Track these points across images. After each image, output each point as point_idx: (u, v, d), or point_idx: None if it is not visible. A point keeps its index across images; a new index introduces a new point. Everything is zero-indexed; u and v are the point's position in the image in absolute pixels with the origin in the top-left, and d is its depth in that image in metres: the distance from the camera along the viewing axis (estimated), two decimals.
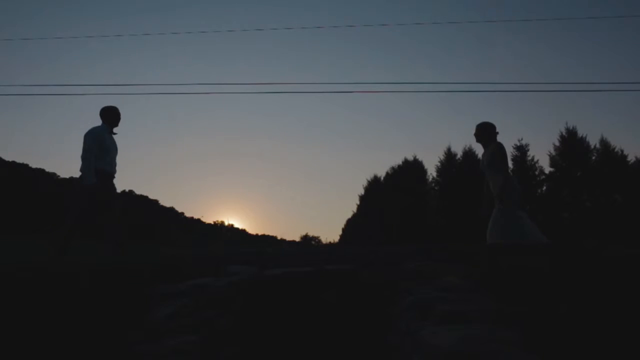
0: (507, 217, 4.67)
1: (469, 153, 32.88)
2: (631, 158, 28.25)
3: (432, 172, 34.56)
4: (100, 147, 4.99)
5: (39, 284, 2.46)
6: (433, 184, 34.36)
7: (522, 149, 30.89)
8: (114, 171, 5.29)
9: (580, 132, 29.51)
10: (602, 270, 2.51)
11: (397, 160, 42.78)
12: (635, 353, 1.55)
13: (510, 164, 5.12)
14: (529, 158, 30.72)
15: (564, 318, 1.84)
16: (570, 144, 29.13)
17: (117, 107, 5.44)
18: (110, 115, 5.30)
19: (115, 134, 5.37)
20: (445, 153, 33.86)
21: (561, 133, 29.85)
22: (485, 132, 5.12)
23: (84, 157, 4.93)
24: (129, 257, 3.85)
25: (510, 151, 31.09)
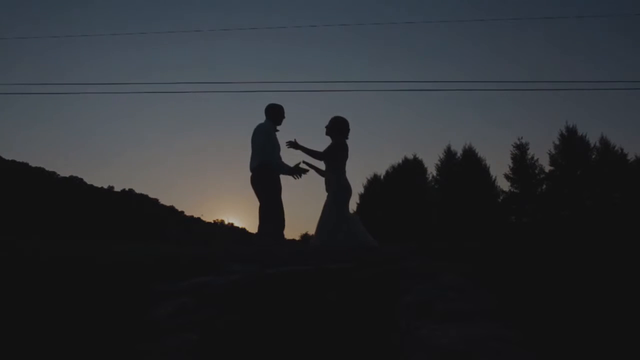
0: (335, 216, 4.76)
1: (468, 152, 32.89)
2: (631, 157, 28.30)
3: (432, 170, 34.64)
4: (270, 144, 5.13)
5: (36, 280, 2.46)
6: (433, 183, 34.38)
7: (522, 148, 30.91)
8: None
9: (580, 131, 29.64)
10: (605, 268, 2.51)
11: (397, 159, 42.78)
12: (635, 351, 1.55)
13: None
14: (529, 157, 30.79)
15: (565, 316, 1.84)
16: (570, 143, 29.16)
17: (283, 105, 5.51)
18: (277, 113, 5.42)
19: (277, 131, 5.46)
20: (445, 152, 33.92)
21: (561, 132, 29.93)
22: (335, 127, 5.18)
23: (267, 153, 5.07)
24: (129, 255, 3.86)
25: (510, 150, 31.11)
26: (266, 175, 5.14)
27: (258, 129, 5.21)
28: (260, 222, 5.05)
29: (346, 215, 4.85)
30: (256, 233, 5.13)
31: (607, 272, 2.43)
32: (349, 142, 5.05)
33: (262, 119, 5.44)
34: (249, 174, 5.35)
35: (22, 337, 1.93)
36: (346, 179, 5.01)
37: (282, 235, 5.07)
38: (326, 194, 4.99)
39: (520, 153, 31.02)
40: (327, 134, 5.17)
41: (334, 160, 5.04)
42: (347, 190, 4.97)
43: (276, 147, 5.30)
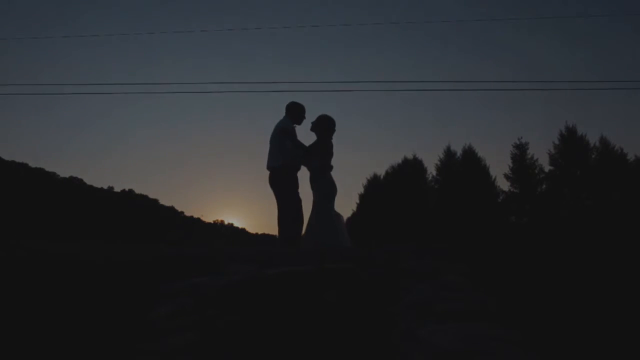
0: (322, 214, 4.78)
1: (468, 152, 32.88)
2: (631, 157, 28.26)
3: (432, 170, 34.63)
4: (290, 145, 5.12)
5: (37, 280, 2.46)
6: (433, 183, 34.37)
7: (522, 148, 30.90)
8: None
9: (580, 131, 29.58)
10: (603, 268, 2.51)
11: (397, 159, 42.76)
12: (634, 351, 1.55)
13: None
14: (529, 156, 30.76)
15: (563, 316, 1.84)
16: (570, 143, 29.14)
17: (304, 105, 5.46)
18: (298, 113, 5.37)
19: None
20: (445, 152, 33.91)
21: (561, 132, 29.89)
22: (321, 125, 5.19)
23: (288, 153, 5.04)
24: (129, 255, 3.86)
25: (510, 149, 31.12)
26: (287, 175, 5.15)
27: (284, 128, 5.17)
28: (280, 223, 5.06)
29: (331, 213, 4.87)
30: (278, 236, 5.14)
31: (606, 272, 2.43)
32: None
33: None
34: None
35: (24, 336, 1.93)
36: (331, 177, 5.03)
37: (299, 234, 5.08)
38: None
39: (520, 153, 30.99)
40: (311, 129, 5.20)
41: (318, 157, 5.05)
42: (331, 188, 4.99)
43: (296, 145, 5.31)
